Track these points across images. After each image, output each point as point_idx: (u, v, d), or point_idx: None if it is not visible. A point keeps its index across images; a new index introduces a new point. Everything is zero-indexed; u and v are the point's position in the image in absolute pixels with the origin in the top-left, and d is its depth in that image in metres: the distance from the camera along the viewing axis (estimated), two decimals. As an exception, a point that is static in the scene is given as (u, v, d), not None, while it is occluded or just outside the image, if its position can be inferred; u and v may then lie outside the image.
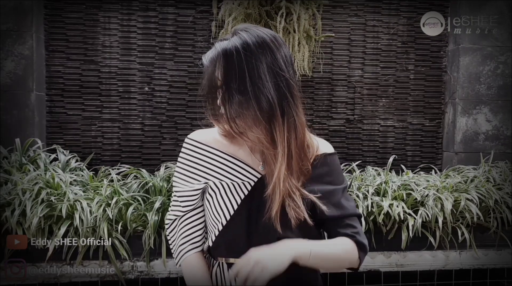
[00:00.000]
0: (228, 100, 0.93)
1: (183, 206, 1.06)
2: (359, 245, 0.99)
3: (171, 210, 1.10)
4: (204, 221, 1.09)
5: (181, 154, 1.07)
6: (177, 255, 1.08)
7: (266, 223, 0.99)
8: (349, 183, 2.32)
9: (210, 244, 1.06)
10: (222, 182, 1.02)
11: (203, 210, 1.08)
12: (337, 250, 0.98)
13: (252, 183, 1.02)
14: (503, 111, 3.05)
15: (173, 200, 1.09)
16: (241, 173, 1.03)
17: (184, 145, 1.07)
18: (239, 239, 1.02)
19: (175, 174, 1.07)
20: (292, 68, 0.97)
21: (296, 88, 0.97)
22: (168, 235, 1.11)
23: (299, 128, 0.97)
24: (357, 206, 2.17)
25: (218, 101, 0.96)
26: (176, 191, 1.06)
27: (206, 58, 0.95)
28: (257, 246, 1.01)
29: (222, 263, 1.06)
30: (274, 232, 0.99)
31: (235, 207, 1.01)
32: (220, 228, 1.03)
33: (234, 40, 0.93)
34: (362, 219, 2.10)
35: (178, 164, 1.07)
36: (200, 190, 1.04)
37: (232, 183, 1.02)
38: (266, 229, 1.00)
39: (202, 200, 1.07)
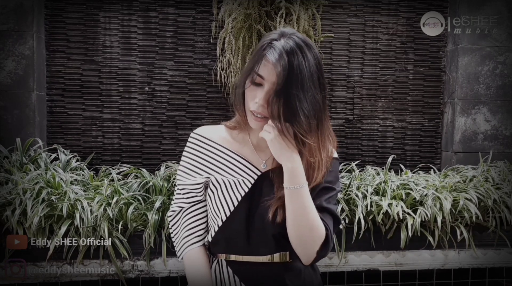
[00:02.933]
0: (284, 104, 0.90)
1: (187, 198, 1.08)
2: (325, 239, 0.96)
3: (174, 203, 1.11)
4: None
5: (185, 148, 1.09)
6: (180, 248, 1.09)
7: (263, 221, 1.00)
8: (348, 182, 2.33)
9: (210, 239, 1.07)
10: (224, 178, 1.04)
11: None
12: (315, 216, 0.95)
13: (253, 181, 1.04)
14: (501, 111, 3.06)
15: (176, 193, 1.10)
16: (243, 170, 1.05)
17: (189, 139, 1.09)
18: (238, 236, 1.03)
19: (179, 167, 1.09)
20: None
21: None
22: (171, 228, 1.13)
23: (332, 137, 1.01)
24: (356, 206, 2.18)
25: (259, 99, 0.93)
26: (178, 184, 1.08)
27: (271, 57, 0.91)
28: (255, 243, 1.03)
29: (222, 260, 1.07)
30: (270, 230, 1.01)
31: (235, 203, 1.03)
32: (220, 224, 1.04)
33: (290, 43, 0.91)
34: (362, 219, 2.11)
35: (182, 157, 1.09)
36: (202, 184, 1.05)
37: (233, 180, 1.03)
38: (264, 226, 1.01)
39: (206, 193, 1.08)
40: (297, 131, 0.92)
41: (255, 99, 0.94)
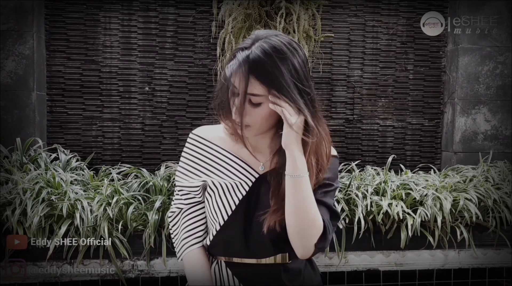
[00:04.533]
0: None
1: (185, 199, 1.07)
2: (323, 232, 0.95)
3: (174, 204, 1.11)
4: None
5: (184, 149, 1.08)
6: (180, 248, 1.09)
7: (261, 225, 1.00)
8: (348, 182, 2.32)
9: (208, 242, 1.06)
10: (221, 181, 1.03)
11: None
12: (315, 207, 0.94)
13: (250, 184, 1.03)
14: (502, 111, 3.06)
15: (175, 194, 1.10)
16: (240, 172, 1.04)
17: (188, 140, 1.08)
18: (236, 239, 1.02)
19: (178, 168, 1.09)
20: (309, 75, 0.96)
21: (317, 99, 0.97)
22: (170, 228, 1.12)
23: (326, 140, 0.98)
24: (356, 206, 2.18)
25: (235, 109, 0.94)
26: (177, 185, 1.08)
27: (229, 68, 0.92)
28: (253, 246, 1.02)
29: (221, 261, 1.06)
30: (269, 233, 1.00)
31: (233, 207, 1.02)
32: (218, 227, 1.03)
33: (257, 51, 0.90)
34: (362, 219, 2.11)
35: (181, 158, 1.08)
36: (200, 187, 1.04)
37: (231, 182, 1.02)
38: (262, 230, 1.00)
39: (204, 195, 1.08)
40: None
41: (233, 109, 0.95)
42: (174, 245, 1.12)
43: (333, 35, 3.04)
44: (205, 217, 1.09)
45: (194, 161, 1.06)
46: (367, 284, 2.27)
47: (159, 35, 2.97)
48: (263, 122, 0.95)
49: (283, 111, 0.89)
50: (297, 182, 0.92)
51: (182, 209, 1.09)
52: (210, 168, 1.05)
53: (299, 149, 0.92)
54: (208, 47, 2.99)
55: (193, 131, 1.10)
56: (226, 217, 1.02)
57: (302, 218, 0.92)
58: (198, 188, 1.05)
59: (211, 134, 1.08)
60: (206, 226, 1.10)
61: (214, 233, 1.04)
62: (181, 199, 1.08)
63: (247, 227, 1.02)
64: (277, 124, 0.99)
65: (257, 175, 1.04)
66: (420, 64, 3.19)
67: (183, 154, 1.08)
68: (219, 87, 1.00)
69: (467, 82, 3.05)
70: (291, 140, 0.91)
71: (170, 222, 1.12)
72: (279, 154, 1.02)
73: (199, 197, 1.07)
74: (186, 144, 1.08)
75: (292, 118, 0.90)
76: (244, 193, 1.02)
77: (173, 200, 1.12)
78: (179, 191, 1.08)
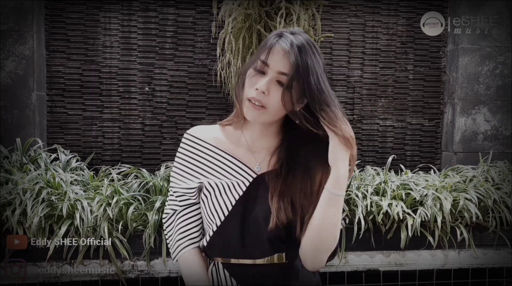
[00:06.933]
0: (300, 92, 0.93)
1: (180, 201, 1.06)
2: (335, 247, 0.99)
3: (168, 205, 1.09)
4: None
5: (179, 150, 1.06)
6: (174, 250, 1.08)
7: (258, 225, 0.99)
8: (348, 182, 2.32)
9: (205, 243, 1.05)
10: (217, 181, 1.01)
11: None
12: (339, 225, 0.96)
13: (247, 183, 1.02)
14: (501, 111, 3.06)
15: (170, 195, 1.08)
16: (237, 172, 1.03)
17: (183, 140, 1.07)
18: (233, 239, 1.01)
19: (173, 169, 1.07)
20: None
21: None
22: (165, 230, 1.11)
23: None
24: (356, 206, 2.18)
25: (260, 86, 0.92)
26: (172, 187, 1.06)
27: (280, 44, 0.92)
28: (250, 246, 1.01)
29: (218, 262, 1.05)
30: (265, 233, 0.99)
31: (230, 207, 1.01)
32: (215, 228, 1.02)
33: (300, 38, 0.93)
34: (362, 219, 2.11)
35: (176, 159, 1.06)
36: (196, 188, 1.03)
37: (227, 182, 1.01)
38: (259, 230, 1.00)
39: (200, 196, 1.07)
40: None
41: (256, 86, 0.93)
42: (169, 246, 1.10)
43: (333, 35, 3.04)
44: (200, 218, 1.08)
45: (190, 162, 1.05)
46: (367, 284, 2.27)
47: (159, 35, 2.97)
48: (279, 109, 0.95)
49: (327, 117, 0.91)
50: (335, 199, 0.93)
51: (176, 210, 1.08)
52: (206, 169, 1.04)
53: (346, 166, 0.92)
54: (208, 47, 2.99)
55: (187, 131, 1.08)
56: (223, 218, 1.01)
57: (329, 233, 0.93)
58: (194, 190, 1.04)
59: (206, 134, 1.07)
60: (201, 227, 1.09)
61: (211, 233, 1.03)
62: (176, 200, 1.07)
63: (244, 227, 1.01)
64: (282, 122, 0.99)
65: (254, 175, 1.03)
66: (420, 64, 3.19)
67: (178, 154, 1.06)
68: (246, 66, 0.99)
69: (467, 82, 3.05)
70: (341, 157, 0.91)
71: (164, 223, 1.11)
72: (277, 154, 1.01)
73: (194, 199, 1.06)
74: (181, 145, 1.07)
75: (346, 127, 0.91)
76: (241, 193, 1.01)
77: (166, 201, 1.11)
78: (174, 192, 1.07)
